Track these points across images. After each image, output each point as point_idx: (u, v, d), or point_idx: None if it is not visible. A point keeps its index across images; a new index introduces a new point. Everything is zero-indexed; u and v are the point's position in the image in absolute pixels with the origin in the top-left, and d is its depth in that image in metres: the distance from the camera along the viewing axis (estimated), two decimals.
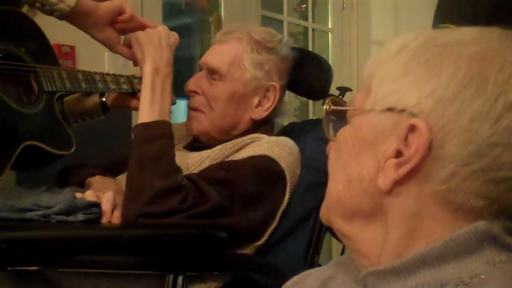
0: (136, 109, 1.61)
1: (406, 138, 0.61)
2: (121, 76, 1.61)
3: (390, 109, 0.62)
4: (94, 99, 1.66)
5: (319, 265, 1.44)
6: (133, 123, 2.26)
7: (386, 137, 0.63)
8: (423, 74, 0.61)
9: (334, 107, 0.72)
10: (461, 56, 0.60)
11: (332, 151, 0.71)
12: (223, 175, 1.30)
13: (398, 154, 0.61)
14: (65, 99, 1.67)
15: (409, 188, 0.61)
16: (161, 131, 1.31)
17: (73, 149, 1.46)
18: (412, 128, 0.60)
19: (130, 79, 1.62)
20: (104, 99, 1.65)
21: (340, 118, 0.71)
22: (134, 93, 1.62)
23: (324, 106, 0.73)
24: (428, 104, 0.60)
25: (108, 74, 1.57)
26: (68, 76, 1.47)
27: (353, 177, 0.66)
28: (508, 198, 0.60)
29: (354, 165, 0.66)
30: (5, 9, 1.42)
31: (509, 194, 0.60)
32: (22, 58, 1.43)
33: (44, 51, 1.52)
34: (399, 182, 0.61)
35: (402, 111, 0.61)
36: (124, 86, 1.59)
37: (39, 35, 1.52)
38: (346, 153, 0.67)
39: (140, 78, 1.63)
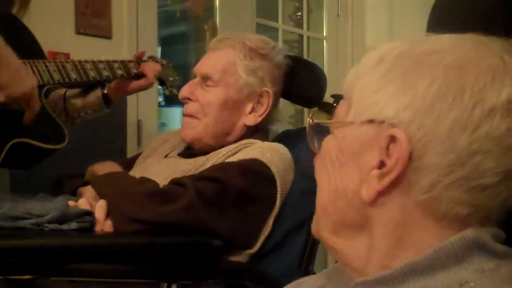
0: (135, 91, 1.69)
1: (387, 148, 0.61)
2: (115, 61, 1.60)
3: (370, 121, 0.63)
4: (96, 92, 1.65)
5: (314, 274, 1.44)
6: (129, 129, 2.28)
7: (368, 149, 0.63)
8: (400, 86, 0.62)
9: (317, 121, 0.73)
10: (437, 66, 0.61)
11: (317, 162, 0.71)
12: (212, 174, 1.31)
13: (381, 165, 0.62)
14: (67, 94, 1.66)
15: (393, 198, 0.61)
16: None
17: (65, 143, 1.45)
18: (392, 139, 0.60)
19: (124, 63, 1.62)
20: (105, 91, 1.63)
21: (324, 131, 0.72)
22: (131, 77, 1.63)
23: (308, 120, 0.73)
24: (406, 115, 0.60)
25: (100, 61, 1.57)
26: (56, 68, 1.47)
27: (338, 188, 0.66)
28: (493, 205, 0.60)
29: (338, 177, 0.66)
30: None
31: (494, 201, 0.60)
32: None
33: (28, 46, 1.51)
34: (383, 193, 0.61)
35: (382, 122, 0.62)
36: (119, 72, 1.59)
37: (22, 30, 1.52)
38: (330, 164, 0.67)
39: (135, 62, 1.65)
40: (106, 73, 1.56)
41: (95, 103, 1.65)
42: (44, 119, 1.47)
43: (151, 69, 1.65)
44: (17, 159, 1.41)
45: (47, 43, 1.91)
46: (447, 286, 0.58)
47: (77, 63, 1.53)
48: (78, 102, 1.65)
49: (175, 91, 1.74)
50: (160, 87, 1.80)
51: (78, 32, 2.15)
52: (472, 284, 0.57)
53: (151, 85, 1.68)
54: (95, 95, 1.65)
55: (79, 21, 2.14)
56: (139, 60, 1.68)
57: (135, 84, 1.64)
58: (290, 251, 1.43)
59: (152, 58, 1.72)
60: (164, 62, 1.74)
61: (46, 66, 1.46)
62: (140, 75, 1.65)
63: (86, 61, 1.55)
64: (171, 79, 1.75)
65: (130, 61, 1.64)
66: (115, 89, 1.64)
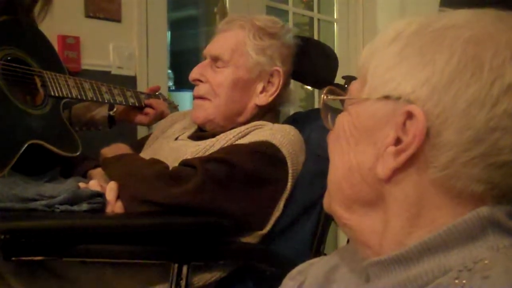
0: (141, 124, 1.80)
1: (404, 125, 0.60)
2: (128, 90, 1.70)
3: (386, 97, 0.62)
4: (103, 111, 1.74)
5: (325, 255, 1.43)
6: None
7: (383, 125, 0.62)
8: (417, 62, 0.60)
9: (332, 97, 0.72)
10: (455, 41, 0.59)
11: (331, 139, 0.70)
12: (222, 156, 1.31)
13: (397, 141, 0.61)
14: (74, 107, 1.73)
15: (408, 175, 0.61)
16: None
17: (78, 152, 1.50)
18: (409, 115, 0.59)
19: (137, 93, 1.74)
20: (112, 113, 1.73)
21: (336, 111, 0.71)
22: (141, 108, 1.73)
23: (322, 96, 0.72)
24: (424, 91, 0.59)
25: (115, 87, 1.66)
26: (74, 84, 1.55)
27: (352, 165, 0.65)
28: (509, 183, 0.59)
29: (352, 153, 0.65)
30: (15, 18, 1.50)
31: (510, 179, 0.59)
32: (29, 64, 1.49)
33: (51, 59, 1.59)
34: (399, 170, 0.61)
35: (398, 98, 0.61)
36: (131, 100, 1.70)
37: (46, 44, 1.59)
38: (345, 141, 0.66)
39: (147, 94, 1.77)
40: (119, 99, 1.65)
41: (100, 122, 1.75)
42: (59, 128, 1.53)
43: (157, 104, 1.76)
44: (30, 163, 1.43)
45: (57, 27, 1.92)
46: (461, 264, 0.57)
47: (94, 84, 1.61)
48: (84, 116, 1.74)
49: None
50: (170, 71, 1.88)
51: (87, 16, 2.15)
52: (486, 262, 0.56)
53: (151, 124, 1.81)
54: (101, 114, 1.74)
55: (88, 4, 2.14)
56: (150, 94, 1.79)
57: (138, 117, 1.75)
58: (301, 232, 1.43)
59: (161, 95, 1.83)
60: (171, 102, 1.89)
61: (66, 81, 1.53)
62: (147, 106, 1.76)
63: (102, 84, 1.63)
64: None
65: (142, 93, 1.76)
66: (121, 113, 1.74)
